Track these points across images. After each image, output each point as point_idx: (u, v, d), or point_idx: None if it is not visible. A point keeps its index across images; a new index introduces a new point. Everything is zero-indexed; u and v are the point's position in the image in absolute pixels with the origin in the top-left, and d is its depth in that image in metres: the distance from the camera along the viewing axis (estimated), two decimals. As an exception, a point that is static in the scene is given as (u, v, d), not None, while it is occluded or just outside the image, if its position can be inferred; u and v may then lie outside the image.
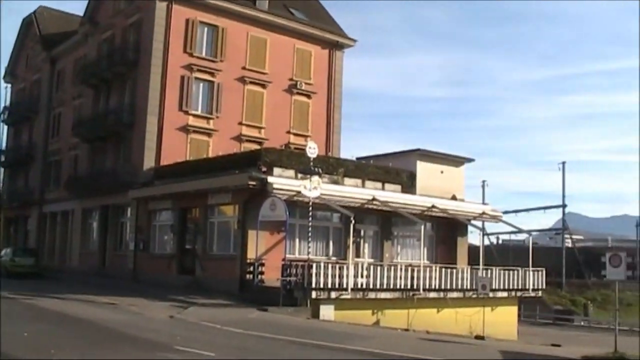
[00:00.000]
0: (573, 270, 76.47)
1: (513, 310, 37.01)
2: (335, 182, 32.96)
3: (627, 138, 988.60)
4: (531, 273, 36.62)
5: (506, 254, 69.48)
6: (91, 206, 46.70)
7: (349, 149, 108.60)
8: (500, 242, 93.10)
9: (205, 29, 42.36)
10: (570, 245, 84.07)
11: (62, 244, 51.02)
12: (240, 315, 24.22)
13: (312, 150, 29.21)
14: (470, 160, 40.49)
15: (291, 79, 45.16)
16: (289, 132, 44.76)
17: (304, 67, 46.01)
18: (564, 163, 75.92)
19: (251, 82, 43.39)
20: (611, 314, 27.86)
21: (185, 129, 40.90)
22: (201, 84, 41.96)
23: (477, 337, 27.58)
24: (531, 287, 36.51)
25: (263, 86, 43.87)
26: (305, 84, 45.70)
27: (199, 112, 41.63)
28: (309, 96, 46.05)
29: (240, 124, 42.82)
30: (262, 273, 29.32)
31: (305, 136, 44.33)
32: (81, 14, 51.04)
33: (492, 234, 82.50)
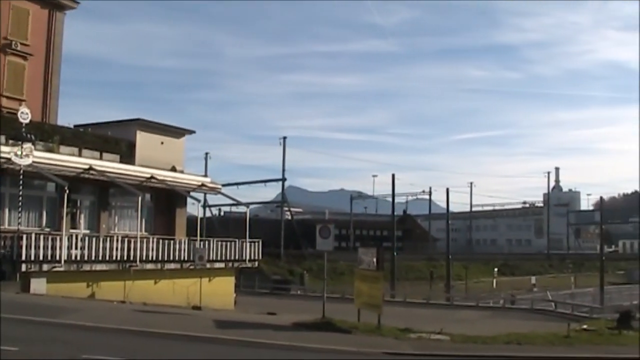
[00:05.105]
0: (291, 242, 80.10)
1: (230, 280, 37.91)
2: (50, 150, 31.60)
3: (343, 117, 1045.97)
4: (248, 244, 37.74)
5: (227, 226, 71.03)
6: None
7: (70, 116, 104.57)
8: (222, 214, 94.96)
9: None
10: (289, 217, 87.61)
11: None
12: (-62, 293, 22.55)
13: (25, 115, 28.03)
14: (191, 132, 40.63)
15: (5, 38, 42.31)
16: (1, 95, 42.03)
17: (21, 26, 43.24)
18: (284, 138, 79.72)
19: (-41, 39, 40.18)
20: (325, 282, 29.45)
21: None
22: None
23: (194, 308, 28.03)
24: (248, 257, 37.60)
25: (-28, 44, 40.80)
26: (21, 44, 43.02)
27: None
28: (25, 57, 43.42)
29: (-56, 84, 39.58)
30: (-34, 246, 27.57)
31: (20, 100, 41.68)
32: None
33: (214, 205, 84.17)
